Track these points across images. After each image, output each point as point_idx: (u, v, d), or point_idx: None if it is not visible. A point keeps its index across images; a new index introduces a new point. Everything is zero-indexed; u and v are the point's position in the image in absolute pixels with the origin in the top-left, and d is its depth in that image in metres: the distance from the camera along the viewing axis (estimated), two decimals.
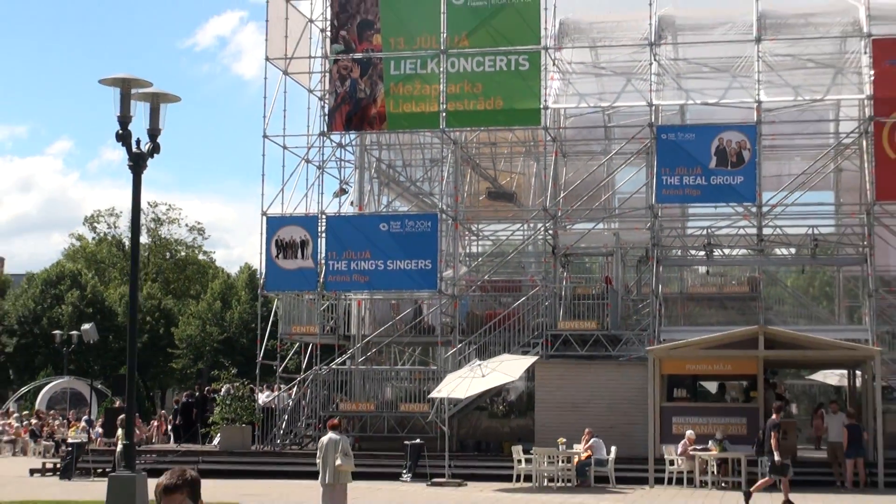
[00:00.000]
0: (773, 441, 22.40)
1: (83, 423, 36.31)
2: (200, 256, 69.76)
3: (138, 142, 15.54)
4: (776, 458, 22.15)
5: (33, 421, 39.88)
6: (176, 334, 57.04)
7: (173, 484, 5.07)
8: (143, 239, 63.70)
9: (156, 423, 36.37)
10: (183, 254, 67.84)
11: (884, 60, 29.60)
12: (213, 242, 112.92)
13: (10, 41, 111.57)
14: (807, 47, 31.92)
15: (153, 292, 61.47)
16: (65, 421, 39.13)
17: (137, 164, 15.58)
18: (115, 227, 66.58)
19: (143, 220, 61.64)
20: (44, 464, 30.87)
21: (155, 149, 15.69)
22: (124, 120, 15.24)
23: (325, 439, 19.42)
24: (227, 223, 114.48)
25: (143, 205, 68.15)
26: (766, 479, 22.84)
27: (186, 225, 67.65)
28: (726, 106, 31.80)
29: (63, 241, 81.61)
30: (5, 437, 38.38)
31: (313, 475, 23.60)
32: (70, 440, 31.89)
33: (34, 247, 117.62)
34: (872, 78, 29.45)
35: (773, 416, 23.64)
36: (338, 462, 18.73)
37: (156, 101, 15.59)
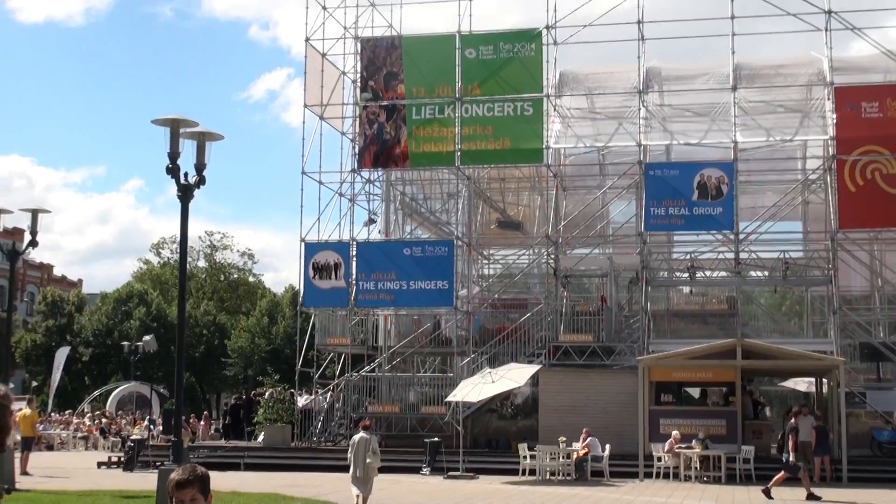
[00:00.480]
0: (790, 442, 23.73)
1: (146, 423, 38.77)
2: (251, 279, 75.63)
3: (186, 175, 16.27)
4: (791, 458, 23.41)
5: (103, 420, 42.56)
6: (228, 346, 61.79)
7: (185, 479, 5.14)
8: (201, 263, 71.25)
9: (202, 424, 38.74)
10: (235, 276, 73.84)
11: (844, 105, 31.24)
12: (264, 266, 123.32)
13: (93, 94, 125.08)
14: (777, 94, 33.61)
15: (209, 309, 67.54)
16: (131, 420, 41.66)
17: (185, 194, 16.35)
18: (177, 253, 69.86)
19: (200, 247, 70.51)
20: (109, 458, 32.77)
21: (201, 181, 16.41)
22: (173, 155, 16.06)
23: (356, 438, 20.80)
24: (276, 249, 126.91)
25: (202, 233, 73.14)
26: (781, 474, 23.86)
27: (238, 251, 74.10)
28: (706, 146, 33.76)
29: (133, 266, 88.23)
30: (79, 434, 40.95)
31: (345, 469, 25.12)
32: (133, 437, 34.03)
33: (109, 270, 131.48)
34: (835, 121, 31.19)
35: (792, 420, 25.17)
36: (368, 460, 20.07)
37: (202, 139, 16.36)
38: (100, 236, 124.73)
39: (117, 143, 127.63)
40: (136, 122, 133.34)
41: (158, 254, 74.69)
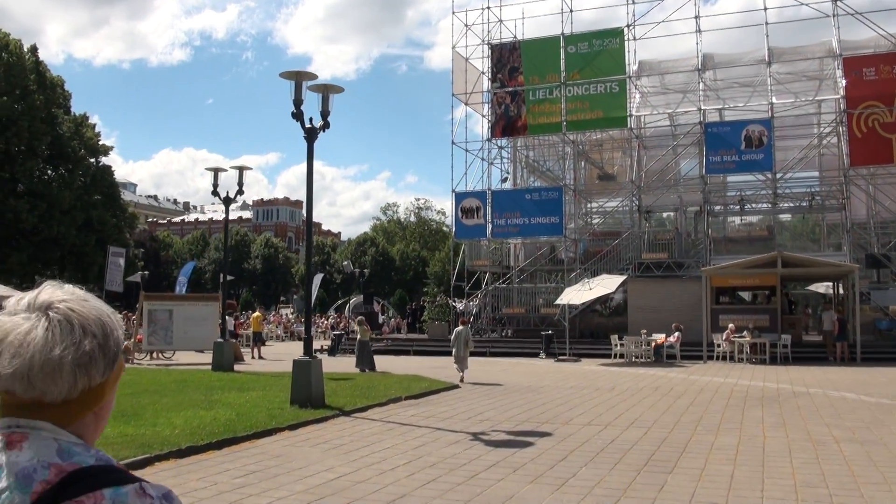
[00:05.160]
0: (836, 327, 29.21)
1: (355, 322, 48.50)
2: (444, 228, 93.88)
3: (311, 119, 17.10)
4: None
5: (330, 321, 53.99)
6: (428, 271, 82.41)
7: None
8: (412, 218, 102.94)
9: (406, 322, 48.10)
10: (434, 225, 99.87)
11: (851, 72, 36.14)
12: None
13: (362, 120, 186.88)
14: (800, 66, 38.44)
15: (416, 248, 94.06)
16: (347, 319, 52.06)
17: (310, 136, 17.17)
18: (395, 213, 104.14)
19: (411, 207, 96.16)
20: (322, 346, 37.89)
21: (325, 125, 17.21)
22: (297, 102, 16.81)
23: (457, 330, 23.92)
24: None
25: (411, 201, 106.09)
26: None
27: (434, 210, 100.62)
28: (750, 109, 38.55)
29: (370, 223, 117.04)
30: (320, 330, 51.75)
31: (482, 354, 31.94)
32: (335, 332, 41.87)
33: (357, 227, 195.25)
34: (844, 84, 36.04)
35: (836, 314, 30.32)
36: (467, 346, 23.21)
37: (325, 91, 17.10)
38: (363, 208, 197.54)
39: (374, 148, 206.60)
40: (382, 134, 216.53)
41: (384, 213, 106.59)
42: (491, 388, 21.54)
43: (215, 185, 26.88)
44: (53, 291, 1.58)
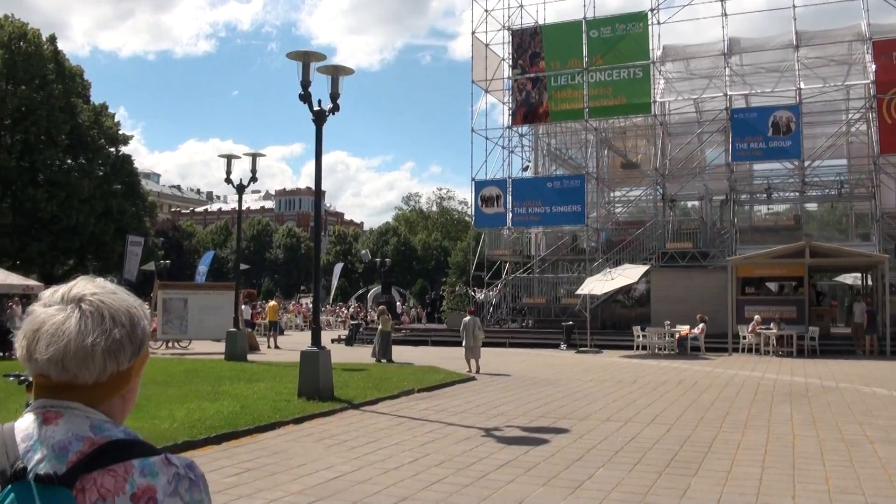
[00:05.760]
0: (865, 319, 29.06)
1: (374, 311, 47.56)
2: (466, 218, 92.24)
3: (319, 102, 16.46)
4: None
5: (351, 310, 53.76)
6: (449, 262, 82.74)
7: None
8: (434, 208, 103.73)
9: (414, 313, 48.26)
10: (456, 215, 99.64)
11: (881, 55, 35.27)
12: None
13: (383, 111, 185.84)
14: (829, 51, 37.69)
15: (438, 237, 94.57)
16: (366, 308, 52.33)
17: (319, 118, 16.45)
18: (417, 203, 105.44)
19: (432, 198, 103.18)
20: (339, 335, 39.05)
21: (335, 108, 16.57)
22: (305, 83, 16.08)
23: (466, 319, 23.72)
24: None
25: (433, 190, 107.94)
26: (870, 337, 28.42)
27: (457, 200, 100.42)
28: (777, 94, 37.80)
29: (393, 213, 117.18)
30: (339, 319, 52.28)
31: (502, 345, 32.10)
32: (352, 322, 41.64)
33: (381, 217, 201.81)
34: (874, 68, 35.17)
35: (866, 306, 30.18)
36: (476, 335, 23.14)
37: (335, 73, 16.49)
38: (386, 198, 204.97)
39: (398, 138, 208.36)
40: (406, 124, 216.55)
41: (407, 203, 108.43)
42: (508, 380, 21.10)
43: (228, 173, 26.75)
44: (85, 285, 1.72)
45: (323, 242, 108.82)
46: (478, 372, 22.28)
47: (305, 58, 16.20)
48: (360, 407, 15.53)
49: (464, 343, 23.03)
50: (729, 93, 37.75)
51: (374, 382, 18.79)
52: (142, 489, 1.59)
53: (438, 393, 18.19)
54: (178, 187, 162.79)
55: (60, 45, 56.05)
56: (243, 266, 52.35)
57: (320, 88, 24.92)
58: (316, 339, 16.94)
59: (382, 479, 9.42)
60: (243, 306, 35.74)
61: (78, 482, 1.55)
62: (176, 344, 32.67)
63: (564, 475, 9.61)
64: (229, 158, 26.64)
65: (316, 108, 16.45)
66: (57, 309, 1.66)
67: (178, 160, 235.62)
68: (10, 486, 1.54)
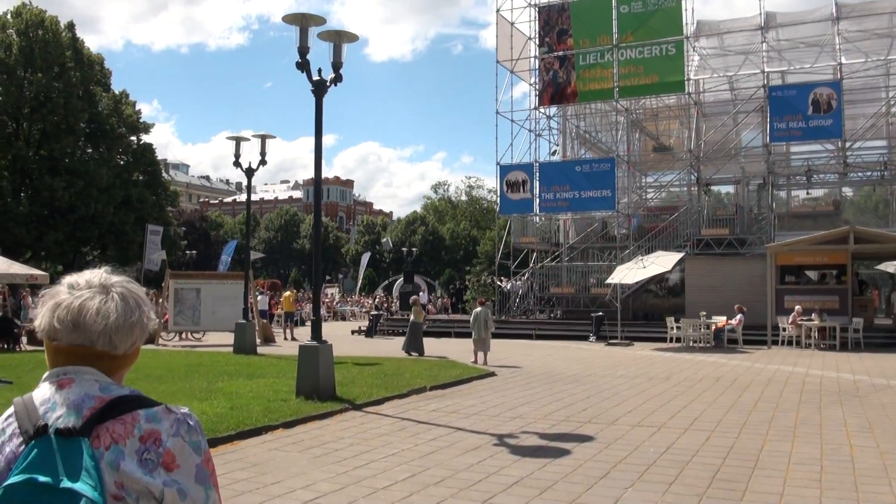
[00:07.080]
0: None
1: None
2: (495, 207, 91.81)
3: (319, 71, 15.08)
4: None
5: (375, 301, 53.25)
6: (478, 251, 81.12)
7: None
8: (463, 197, 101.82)
9: (441, 303, 47.39)
10: (485, 204, 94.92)
11: None
12: None
13: (412, 101, 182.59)
14: (869, 24, 35.81)
15: (467, 226, 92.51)
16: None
17: (318, 89, 15.06)
18: (446, 192, 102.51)
19: (462, 186, 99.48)
20: (360, 327, 38.22)
21: (337, 78, 15.13)
22: (303, 50, 14.66)
23: (477, 310, 23.33)
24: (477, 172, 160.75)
25: (461, 179, 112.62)
26: None
27: (486, 188, 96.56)
28: (816, 71, 36.16)
29: (420, 201, 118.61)
30: (363, 311, 51.90)
31: (527, 336, 31.09)
32: (373, 312, 40.47)
33: (412, 207, 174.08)
34: None
35: None
36: (486, 326, 22.71)
37: (338, 39, 14.97)
38: (417, 189, 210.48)
39: (429, 128, 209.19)
40: (438, 114, 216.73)
41: (435, 192, 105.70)
42: (529, 376, 19.77)
43: (237, 156, 25.71)
44: (109, 276, 1.99)
45: (351, 233, 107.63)
46: (485, 364, 21.77)
47: (303, 21, 14.67)
48: (362, 408, 14.14)
49: (473, 335, 22.65)
50: (766, 69, 36.05)
51: (383, 379, 17.47)
52: (148, 432, 1.84)
53: (453, 391, 16.77)
54: (207, 178, 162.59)
55: (92, 39, 55.46)
56: (256, 255, 51.23)
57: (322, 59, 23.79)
58: (316, 332, 15.44)
59: (366, 502, 7.92)
60: (260, 296, 34.73)
61: (93, 431, 1.80)
62: (190, 335, 31.75)
63: (586, 499, 8.08)
64: (238, 140, 25.48)
65: (315, 77, 15.03)
66: (92, 292, 1.93)
67: (211, 152, 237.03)
68: (33, 442, 1.77)
